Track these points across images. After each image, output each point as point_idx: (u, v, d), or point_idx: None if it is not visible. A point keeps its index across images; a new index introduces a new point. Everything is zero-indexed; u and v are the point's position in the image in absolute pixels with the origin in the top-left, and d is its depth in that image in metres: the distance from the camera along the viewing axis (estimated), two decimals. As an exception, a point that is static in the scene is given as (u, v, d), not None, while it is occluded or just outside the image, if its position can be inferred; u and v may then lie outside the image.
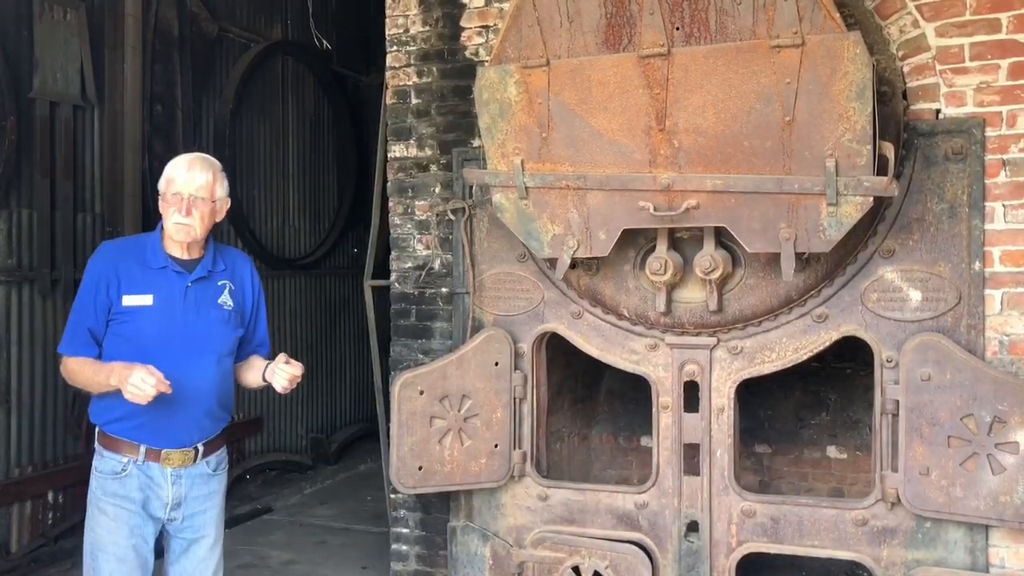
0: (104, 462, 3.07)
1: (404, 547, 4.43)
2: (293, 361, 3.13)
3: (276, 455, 8.10)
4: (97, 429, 3.12)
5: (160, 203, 3.12)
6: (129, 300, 3.03)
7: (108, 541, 3.03)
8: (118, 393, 2.89)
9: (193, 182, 3.08)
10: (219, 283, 3.19)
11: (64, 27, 6.10)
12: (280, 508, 7.10)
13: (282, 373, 3.10)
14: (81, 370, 3.03)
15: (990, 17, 3.44)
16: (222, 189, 3.19)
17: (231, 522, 6.57)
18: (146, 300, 3.04)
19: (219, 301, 3.17)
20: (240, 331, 3.24)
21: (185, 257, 3.13)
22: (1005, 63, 3.42)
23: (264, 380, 3.23)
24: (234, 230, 7.69)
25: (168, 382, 2.83)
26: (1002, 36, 3.43)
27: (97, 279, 3.04)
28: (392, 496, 4.44)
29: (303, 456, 8.38)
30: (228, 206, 3.28)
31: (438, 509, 4.31)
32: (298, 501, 7.35)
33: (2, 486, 5.64)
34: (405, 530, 4.43)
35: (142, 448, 3.04)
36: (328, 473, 8.16)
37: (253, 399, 7.90)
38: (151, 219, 6.19)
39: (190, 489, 3.14)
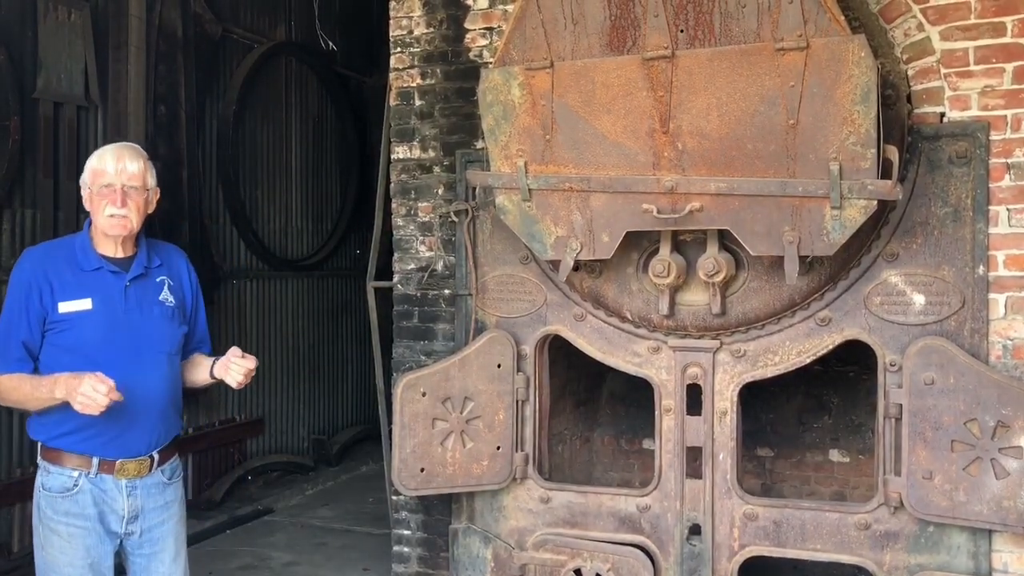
0: (52, 479, 2.88)
1: (405, 549, 4.42)
2: (247, 355, 3.00)
3: (277, 456, 8.10)
4: (40, 444, 2.93)
5: (86, 199, 2.96)
6: (66, 307, 2.85)
7: (62, 563, 2.86)
8: (65, 406, 2.74)
9: (125, 171, 2.91)
10: (157, 279, 3.04)
11: (68, 27, 6.11)
12: (281, 509, 7.10)
13: (237, 368, 2.96)
14: (17, 387, 2.83)
15: (995, 21, 3.43)
16: (152, 178, 3.03)
17: (232, 523, 6.59)
18: (84, 304, 2.86)
19: (160, 298, 3.02)
20: (184, 328, 3.10)
21: (119, 255, 2.97)
22: (1010, 67, 3.42)
23: (212, 377, 3.08)
24: (237, 231, 7.70)
25: (119, 391, 2.67)
26: (1007, 40, 3.42)
27: (27, 288, 2.86)
28: (394, 498, 4.43)
29: (305, 457, 8.38)
30: (159, 196, 3.11)
31: (440, 511, 4.31)
32: (299, 502, 7.35)
33: (3, 486, 5.64)
34: (407, 532, 4.42)
35: (95, 460, 2.87)
36: (330, 474, 8.16)
37: (254, 400, 7.91)
38: (152, 220, 6.20)
39: (146, 500, 2.97)
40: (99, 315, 2.88)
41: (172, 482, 3.08)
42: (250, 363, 2.97)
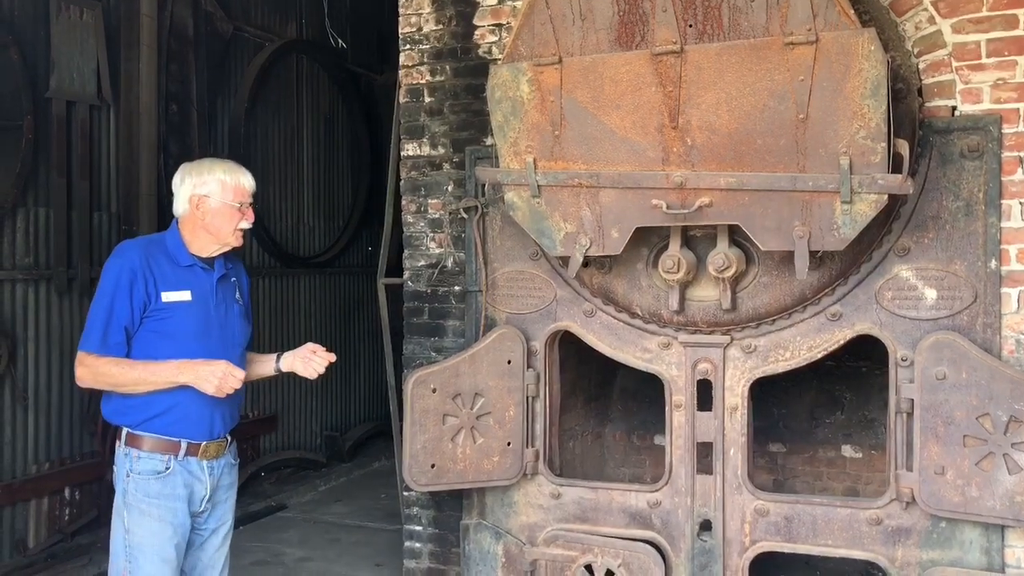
0: (142, 463, 3.04)
1: (417, 544, 4.44)
2: (328, 351, 3.27)
3: (291, 453, 8.14)
4: (125, 431, 3.07)
5: (219, 211, 3.12)
6: (169, 296, 3.05)
7: (151, 543, 3.02)
8: (164, 390, 3.00)
9: (254, 187, 3.23)
10: (232, 280, 3.31)
11: (80, 27, 6.14)
12: (294, 505, 7.13)
13: (321, 361, 3.23)
14: (123, 371, 2.99)
15: (1007, 13, 3.41)
16: None
17: (246, 519, 6.62)
18: (185, 296, 3.08)
19: (236, 297, 3.29)
20: (250, 326, 3.36)
21: (206, 256, 3.19)
22: (1022, 59, 3.39)
23: (277, 371, 3.35)
24: (249, 228, 7.72)
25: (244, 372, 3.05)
26: (1019, 32, 3.39)
27: (132, 276, 3.01)
28: (405, 494, 4.45)
29: (317, 454, 8.42)
30: None
31: (451, 507, 4.32)
32: (312, 498, 7.38)
33: (19, 483, 5.69)
34: (418, 528, 4.44)
35: (183, 443, 3.06)
36: (342, 471, 8.19)
37: (268, 397, 7.94)
38: (166, 218, 6.23)
39: (220, 479, 3.21)
40: (196, 307, 3.11)
41: (236, 462, 3.34)
42: (333, 357, 3.26)
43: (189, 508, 3.10)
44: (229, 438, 3.24)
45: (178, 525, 3.07)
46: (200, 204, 3.13)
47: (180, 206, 3.17)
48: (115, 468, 3.12)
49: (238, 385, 3.01)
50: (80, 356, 3.03)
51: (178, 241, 3.16)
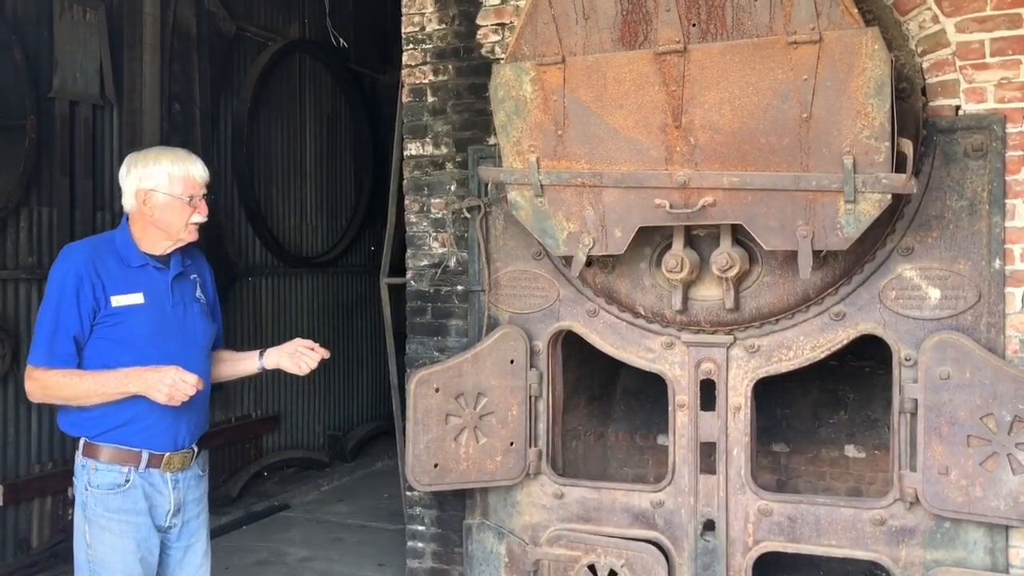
0: (101, 475, 2.87)
1: (420, 544, 4.44)
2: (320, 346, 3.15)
3: (293, 452, 8.15)
4: (83, 442, 2.91)
5: (167, 206, 2.92)
6: (119, 300, 2.86)
7: (114, 559, 2.87)
8: (111, 401, 2.83)
9: (206, 179, 3.02)
10: (191, 277, 3.11)
11: (83, 27, 6.15)
12: (297, 505, 7.14)
13: (314, 357, 3.11)
14: (73, 383, 2.81)
15: (1011, 12, 3.40)
16: None
17: (248, 519, 6.63)
18: (137, 299, 2.89)
19: (196, 295, 3.09)
20: (215, 324, 3.18)
21: (160, 254, 3.00)
22: (1026, 59, 3.38)
23: (261, 368, 3.21)
24: (252, 228, 7.74)
25: (201, 378, 2.83)
26: (1023, 31, 3.38)
27: (78, 282, 2.83)
28: (408, 493, 4.44)
29: (320, 453, 8.42)
30: None
31: (454, 507, 4.32)
32: (315, 498, 7.39)
33: (23, 482, 5.70)
34: (421, 527, 4.44)
35: (144, 455, 2.89)
36: (345, 470, 8.20)
37: (270, 397, 7.95)
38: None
39: (187, 493, 3.03)
40: (150, 310, 2.92)
41: (204, 474, 3.16)
42: (326, 354, 3.12)
43: (155, 523, 2.95)
44: (196, 448, 3.05)
45: (141, 540, 2.90)
46: (147, 199, 2.91)
47: (127, 201, 2.96)
48: (74, 479, 2.96)
49: (191, 392, 2.78)
50: (28, 370, 2.87)
51: (128, 239, 2.95)
